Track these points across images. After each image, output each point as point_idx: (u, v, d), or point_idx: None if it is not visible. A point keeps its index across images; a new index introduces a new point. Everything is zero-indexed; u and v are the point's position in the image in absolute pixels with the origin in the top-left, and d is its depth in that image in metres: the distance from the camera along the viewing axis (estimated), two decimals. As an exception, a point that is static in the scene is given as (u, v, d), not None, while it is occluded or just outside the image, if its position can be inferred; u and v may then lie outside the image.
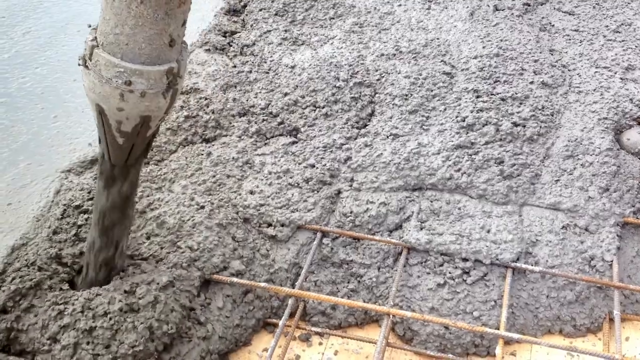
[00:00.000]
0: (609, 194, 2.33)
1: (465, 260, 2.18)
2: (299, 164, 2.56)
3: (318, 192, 2.46)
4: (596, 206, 2.29)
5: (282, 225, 2.32)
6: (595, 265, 2.16)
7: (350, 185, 2.47)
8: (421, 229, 2.29)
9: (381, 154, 2.52)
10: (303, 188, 2.46)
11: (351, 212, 2.37)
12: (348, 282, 2.23)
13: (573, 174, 2.42)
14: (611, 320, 2.07)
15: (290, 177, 2.50)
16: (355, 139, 2.65)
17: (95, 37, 1.53)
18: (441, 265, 2.19)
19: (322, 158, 2.57)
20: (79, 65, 1.56)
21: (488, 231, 2.26)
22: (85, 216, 2.15)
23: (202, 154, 2.57)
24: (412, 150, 2.52)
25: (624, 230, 2.27)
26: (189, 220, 2.20)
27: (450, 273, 2.16)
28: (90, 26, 1.60)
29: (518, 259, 2.18)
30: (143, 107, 1.55)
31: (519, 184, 2.39)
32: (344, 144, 2.62)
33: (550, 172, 2.45)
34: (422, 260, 2.22)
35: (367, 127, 2.71)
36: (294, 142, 2.67)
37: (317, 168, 2.52)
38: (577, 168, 2.43)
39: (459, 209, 2.35)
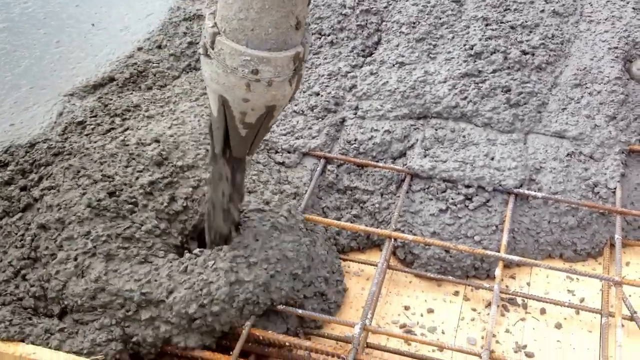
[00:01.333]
0: (616, 122, 2.31)
1: (468, 186, 2.18)
2: (304, 92, 2.54)
3: (322, 119, 2.44)
4: (602, 134, 2.27)
5: (289, 152, 2.32)
6: (598, 192, 2.15)
7: (355, 113, 2.46)
8: (425, 156, 2.29)
9: (387, 82, 2.50)
10: (308, 115, 2.45)
11: (355, 140, 2.36)
12: (351, 208, 2.23)
13: (580, 103, 2.39)
14: (612, 246, 2.07)
15: (295, 105, 2.49)
16: (361, 67, 2.62)
17: (215, 23, 1.41)
18: (444, 191, 2.19)
19: (326, 86, 2.54)
20: (200, 54, 1.44)
21: (492, 158, 2.25)
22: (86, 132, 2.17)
23: (206, 81, 2.55)
24: (418, 79, 2.49)
25: (630, 158, 2.26)
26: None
27: (452, 199, 2.16)
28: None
29: (521, 186, 2.18)
30: (269, 97, 1.42)
31: (525, 112, 2.36)
32: (350, 72, 2.59)
33: (557, 100, 2.42)
34: (424, 187, 2.22)
35: (373, 55, 2.67)
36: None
37: (321, 96, 2.50)
38: (584, 96, 2.40)
39: (464, 137, 2.34)
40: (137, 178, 1.98)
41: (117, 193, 1.92)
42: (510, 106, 2.38)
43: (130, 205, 1.91)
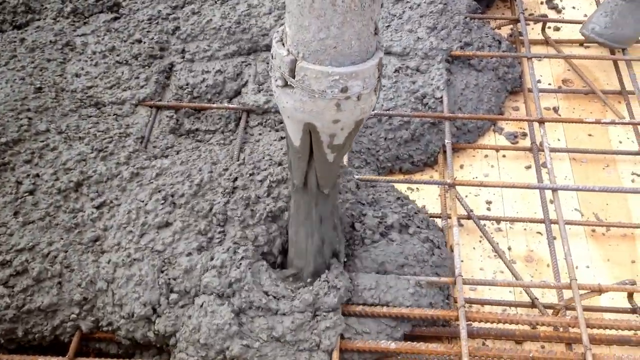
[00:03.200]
0: (437, 32, 2.38)
1: (305, 115, 2.18)
2: (125, 40, 2.40)
3: (150, 67, 2.33)
4: (425, 46, 2.33)
5: (120, 104, 2.21)
6: (427, 103, 2.22)
7: (183, 57, 2.36)
8: (259, 91, 2.25)
9: (211, 19, 2.41)
10: (133, 65, 2.33)
11: (187, 84, 2.28)
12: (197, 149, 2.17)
13: (402, 18, 2.43)
14: (445, 152, 2.16)
15: (117, 55, 2.35)
16: (182, 7, 2.51)
17: (289, 50, 1.29)
18: (281, 122, 2.17)
19: (148, 32, 2.42)
20: (277, 87, 1.32)
21: (325, 84, 2.25)
22: None
23: (15, 41, 2.35)
24: (242, 13, 2.42)
25: (453, 65, 2.34)
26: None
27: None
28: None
29: (356, 108, 2.20)
30: (359, 111, 1.33)
31: (351, 34, 2.38)
32: (171, 13, 2.48)
33: (380, 18, 2.45)
34: (262, 121, 2.19)
35: (194, -7, 2.57)
36: (116, 18, 2.49)
37: (144, 43, 2.38)
38: (405, 11, 2.45)
39: (296, 66, 2.32)
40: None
41: None
42: (337, 30, 2.38)
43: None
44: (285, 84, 1.31)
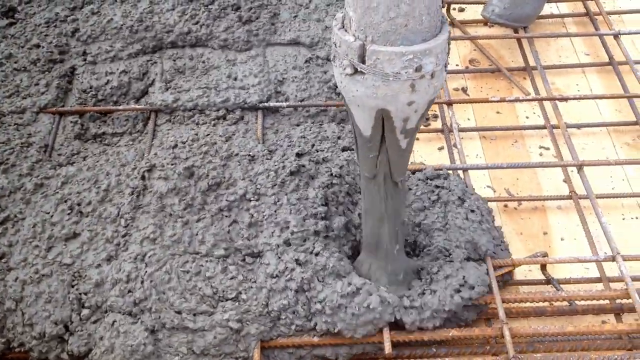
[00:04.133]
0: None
1: (217, 110, 2.14)
2: (22, 46, 2.30)
3: (50, 72, 2.24)
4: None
5: (20, 113, 2.11)
6: (340, 92, 2.22)
7: (85, 60, 2.28)
8: (167, 89, 2.20)
9: (111, 19, 2.33)
10: (32, 71, 2.24)
11: (91, 88, 2.21)
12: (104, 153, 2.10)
13: (309, 7, 2.42)
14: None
15: (15, 62, 2.25)
16: (81, 8, 2.42)
17: (356, 35, 1.22)
18: (191, 117, 2.13)
19: (46, 35, 2.32)
20: (346, 75, 1.26)
21: (235, 79, 2.22)
22: None
23: None
24: (144, 10, 2.36)
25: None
26: None
27: (202, 121, 2.11)
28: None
29: (269, 99, 2.18)
30: (432, 90, 1.28)
31: (258, 27, 2.35)
32: (69, 15, 2.38)
33: (288, 9, 2.43)
34: (170, 119, 2.14)
35: (92, -7, 2.48)
36: (11, 24, 2.39)
37: (43, 47, 2.28)
38: (312, 1, 2.44)
39: (204, 62, 2.28)
40: None
41: None
42: (243, 23, 2.35)
43: None
44: (355, 71, 1.26)
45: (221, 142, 1.93)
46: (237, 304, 1.56)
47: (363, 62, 1.24)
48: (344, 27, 1.28)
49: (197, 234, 1.67)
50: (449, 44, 1.29)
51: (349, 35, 1.25)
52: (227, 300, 1.57)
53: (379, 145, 1.39)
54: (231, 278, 1.60)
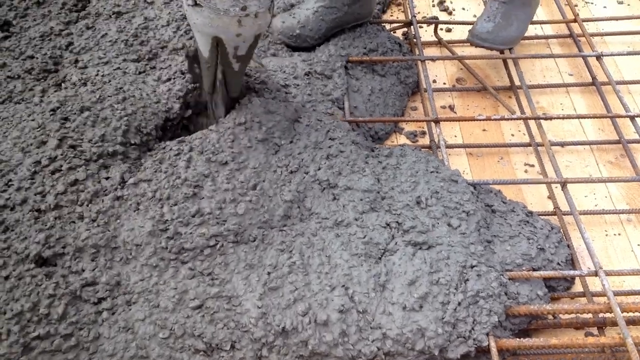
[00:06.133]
0: (337, 41, 2.43)
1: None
2: (16, 58, 2.33)
3: (45, 80, 2.27)
4: (324, 53, 2.38)
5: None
6: (342, 107, 2.26)
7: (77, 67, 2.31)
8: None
9: (106, 34, 2.37)
10: (26, 79, 2.26)
11: (85, 100, 2.23)
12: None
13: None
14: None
15: (9, 71, 2.28)
16: (76, 22, 2.45)
17: None
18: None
19: (40, 48, 2.35)
20: (189, 6, 1.59)
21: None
22: None
23: None
24: (139, 26, 2.39)
25: (357, 71, 2.39)
26: None
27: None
28: None
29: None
30: (257, 27, 1.63)
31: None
32: (64, 29, 2.42)
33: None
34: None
35: (86, 8, 2.51)
36: (6, 37, 2.41)
37: (37, 58, 2.31)
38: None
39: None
40: None
41: None
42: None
43: None
44: (195, 4, 1.58)
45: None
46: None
47: None
48: None
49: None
50: None
51: None
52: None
53: (215, 66, 1.74)
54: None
